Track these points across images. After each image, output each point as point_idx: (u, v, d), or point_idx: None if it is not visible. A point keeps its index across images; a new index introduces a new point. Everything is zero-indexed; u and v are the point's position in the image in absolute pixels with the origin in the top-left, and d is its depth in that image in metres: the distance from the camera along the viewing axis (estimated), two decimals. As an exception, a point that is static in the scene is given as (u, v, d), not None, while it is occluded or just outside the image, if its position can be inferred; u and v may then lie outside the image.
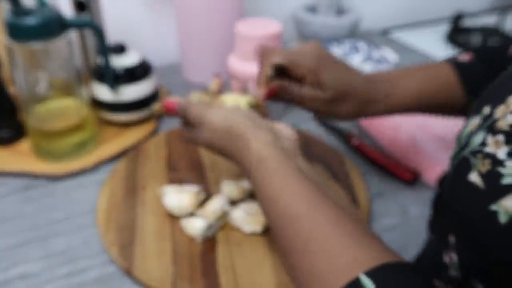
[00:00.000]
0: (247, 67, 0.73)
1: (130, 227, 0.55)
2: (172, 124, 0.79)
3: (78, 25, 0.67)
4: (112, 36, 0.78)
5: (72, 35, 0.63)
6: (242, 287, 0.47)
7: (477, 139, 0.30)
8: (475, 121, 0.31)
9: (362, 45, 0.97)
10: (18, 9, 0.57)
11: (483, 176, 0.28)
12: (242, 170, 0.43)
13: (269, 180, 0.38)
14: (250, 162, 0.41)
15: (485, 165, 0.28)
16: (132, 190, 0.60)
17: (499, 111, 0.28)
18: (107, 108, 0.72)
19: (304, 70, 0.52)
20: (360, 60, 0.97)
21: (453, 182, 0.31)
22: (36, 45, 0.59)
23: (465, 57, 0.55)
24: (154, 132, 0.75)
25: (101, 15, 0.78)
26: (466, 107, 0.54)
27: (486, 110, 0.30)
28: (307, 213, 0.34)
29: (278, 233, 0.36)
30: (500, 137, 0.27)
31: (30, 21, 0.57)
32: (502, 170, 0.26)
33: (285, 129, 0.47)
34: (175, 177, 0.63)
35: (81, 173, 0.66)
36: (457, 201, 0.30)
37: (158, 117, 0.74)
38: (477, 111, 0.32)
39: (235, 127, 0.43)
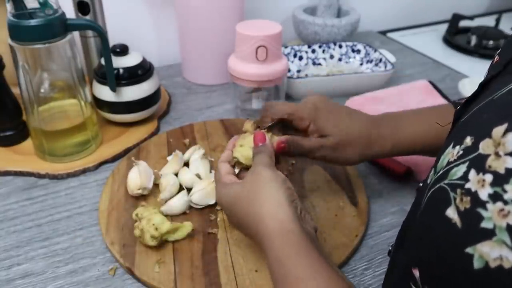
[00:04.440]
0: (247, 68, 0.74)
1: (131, 226, 0.55)
2: (172, 124, 0.79)
3: (81, 27, 0.67)
4: (113, 37, 0.78)
5: (75, 36, 0.64)
6: (242, 287, 0.48)
7: (458, 172, 0.28)
8: (455, 150, 0.30)
9: (360, 46, 0.98)
10: (21, 11, 0.58)
11: (461, 214, 0.26)
12: (253, 238, 0.43)
13: (296, 257, 0.38)
14: (271, 232, 0.40)
15: (465, 203, 0.26)
16: (133, 189, 0.60)
17: (485, 145, 0.27)
18: (109, 108, 0.73)
19: (305, 122, 0.54)
20: (359, 61, 0.98)
21: (427, 214, 0.30)
22: (39, 47, 0.59)
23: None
24: (155, 132, 0.76)
25: (103, 16, 0.78)
26: None
27: (468, 140, 0.29)
28: None
29: None
30: (488, 177, 0.25)
31: (33, 22, 0.57)
32: (483, 212, 0.25)
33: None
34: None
35: (83, 173, 0.66)
36: (430, 235, 0.29)
37: None
38: (458, 140, 0.30)
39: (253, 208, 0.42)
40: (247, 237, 0.46)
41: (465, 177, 0.27)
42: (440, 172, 0.30)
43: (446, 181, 0.29)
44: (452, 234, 0.26)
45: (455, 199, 0.27)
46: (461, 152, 0.29)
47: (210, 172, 0.64)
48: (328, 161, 0.54)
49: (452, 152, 0.30)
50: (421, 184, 0.36)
